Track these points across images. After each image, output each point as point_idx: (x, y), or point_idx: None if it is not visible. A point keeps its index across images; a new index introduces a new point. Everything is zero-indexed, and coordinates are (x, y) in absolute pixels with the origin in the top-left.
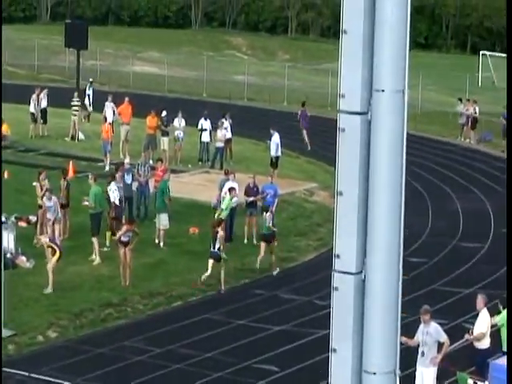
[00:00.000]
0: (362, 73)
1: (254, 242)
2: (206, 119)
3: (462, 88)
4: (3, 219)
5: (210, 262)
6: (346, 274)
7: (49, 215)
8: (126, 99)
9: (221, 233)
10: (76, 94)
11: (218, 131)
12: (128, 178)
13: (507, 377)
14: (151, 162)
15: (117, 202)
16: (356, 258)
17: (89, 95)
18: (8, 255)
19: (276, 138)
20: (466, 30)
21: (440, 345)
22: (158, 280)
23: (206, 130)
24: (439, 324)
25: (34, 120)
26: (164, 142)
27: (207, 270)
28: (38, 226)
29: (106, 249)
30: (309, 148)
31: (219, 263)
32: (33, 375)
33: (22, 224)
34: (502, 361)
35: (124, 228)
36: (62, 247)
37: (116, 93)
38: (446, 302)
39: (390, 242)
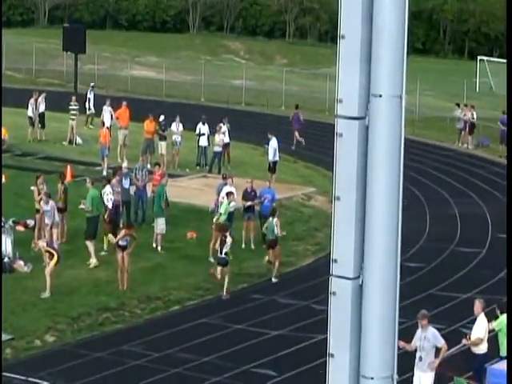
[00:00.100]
0: (360, 78)
1: (252, 246)
2: (203, 124)
3: (460, 93)
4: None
5: (219, 268)
6: (344, 279)
7: (46, 219)
8: (124, 103)
9: (229, 238)
10: (74, 98)
11: (216, 136)
12: (126, 183)
13: (507, 382)
14: (149, 166)
15: (110, 206)
16: (354, 262)
17: (89, 99)
18: (6, 259)
19: (274, 142)
20: (463, 35)
21: (438, 350)
22: (155, 284)
23: (203, 134)
24: (437, 329)
25: (32, 124)
26: (162, 147)
27: (217, 276)
28: (36, 230)
29: (103, 253)
30: (303, 144)
31: (225, 268)
32: (30, 379)
33: (20, 228)
34: (500, 366)
35: (122, 232)
36: (59, 251)
37: (114, 97)
38: (444, 307)
39: (388, 247)
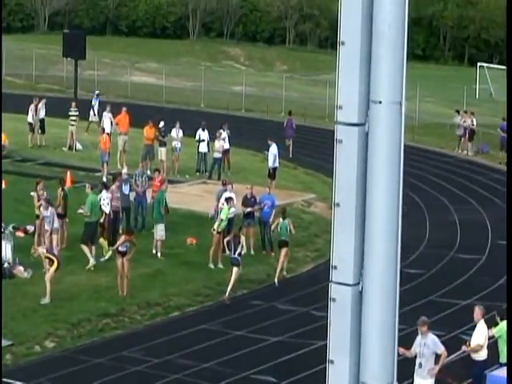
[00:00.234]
0: (360, 84)
1: (252, 252)
2: (203, 130)
3: (460, 100)
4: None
5: (235, 269)
6: (344, 286)
7: (46, 225)
8: (124, 109)
9: (243, 237)
10: (74, 103)
11: (216, 142)
12: (126, 189)
13: None
14: (149, 172)
15: (106, 211)
16: (353, 269)
17: (93, 106)
18: (5, 265)
19: (274, 148)
20: (463, 41)
21: (437, 356)
22: (155, 290)
23: (203, 140)
24: (437, 335)
25: (32, 130)
26: (162, 153)
27: (230, 280)
28: (36, 236)
29: (102, 259)
30: (290, 155)
31: (237, 269)
32: None
33: (20, 234)
34: (499, 372)
35: (122, 238)
36: (59, 257)
37: (114, 103)
38: (444, 314)
39: (388, 254)
